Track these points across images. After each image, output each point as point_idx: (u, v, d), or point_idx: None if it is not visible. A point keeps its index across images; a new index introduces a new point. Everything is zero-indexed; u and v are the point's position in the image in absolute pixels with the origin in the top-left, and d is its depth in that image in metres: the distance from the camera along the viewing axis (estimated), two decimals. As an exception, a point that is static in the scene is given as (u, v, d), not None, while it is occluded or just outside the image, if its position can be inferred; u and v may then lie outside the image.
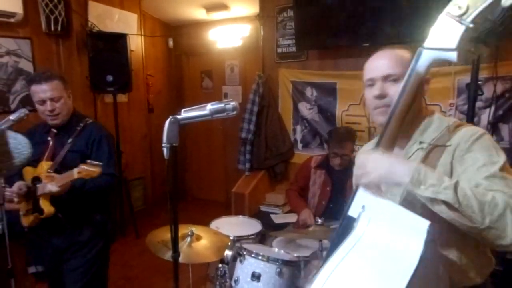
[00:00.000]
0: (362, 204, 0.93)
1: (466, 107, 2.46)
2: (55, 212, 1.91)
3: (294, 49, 3.72)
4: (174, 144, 1.12)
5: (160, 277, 3.39)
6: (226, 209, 4.50)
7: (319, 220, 1.96)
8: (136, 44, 4.64)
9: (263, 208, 3.78)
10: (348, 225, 0.93)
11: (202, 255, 2.11)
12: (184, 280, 3.15)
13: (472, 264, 1.08)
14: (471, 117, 2.15)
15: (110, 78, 3.86)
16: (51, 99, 1.94)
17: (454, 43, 0.92)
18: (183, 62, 5.60)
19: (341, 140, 2.74)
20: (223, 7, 4.61)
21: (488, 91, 2.58)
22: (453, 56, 0.92)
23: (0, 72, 3.59)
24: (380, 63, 1.19)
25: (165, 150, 1.11)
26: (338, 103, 3.55)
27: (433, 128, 1.15)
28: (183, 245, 2.11)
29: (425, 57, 0.97)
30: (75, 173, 1.76)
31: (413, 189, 0.92)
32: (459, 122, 1.17)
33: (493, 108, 2.69)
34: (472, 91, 2.14)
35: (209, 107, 1.12)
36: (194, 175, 5.69)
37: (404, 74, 1.07)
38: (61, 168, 1.94)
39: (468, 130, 1.10)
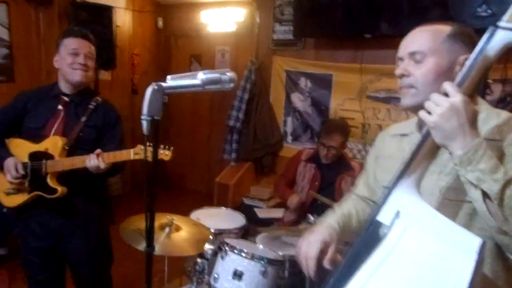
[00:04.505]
0: (396, 209, 0.77)
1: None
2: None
3: (290, 36, 3.55)
4: (155, 118, 0.93)
5: (133, 266, 3.19)
6: (207, 200, 4.32)
7: (311, 218, 1.80)
8: (122, 20, 4.39)
9: (247, 201, 3.63)
10: (375, 232, 0.77)
11: (181, 248, 1.94)
12: (158, 272, 2.96)
13: (503, 277, 0.96)
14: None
15: (92, 52, 3.60)
16: (86, 55, 1.84)
17: None
18: (171, 44, 5.35)
19: (331, 130, 2.58)
20: (218, -12, 4.39)
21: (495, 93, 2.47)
22: None
23: (-29, 36, 3.31)
24: (408, 39, 1.05)
25: (144, 124, 0.92)
26: (332, 96, 3.41)
27: (481, 119, 0.98)
28: (160, 236, 1.94)
29: (499, 39, 0.80)
30: (132, 154, 1.71)
31: (459, 164, 0.82)
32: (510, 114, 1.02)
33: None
34: (481, 90, 2.02)
35: (201, 76, 0.93)
36: (176, 162, 5.44)
37: (436, 51, 0.97)
38: (76, 144, 1.83)
39: None
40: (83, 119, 1.86)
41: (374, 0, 2.88)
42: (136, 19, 4.71)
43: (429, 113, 0.84)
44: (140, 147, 1.69)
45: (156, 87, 0.91)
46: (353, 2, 2.97)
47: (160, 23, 5.14)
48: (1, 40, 3.48)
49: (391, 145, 1.19)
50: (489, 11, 1.78)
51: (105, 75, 4.22)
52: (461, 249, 0.66)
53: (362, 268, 0.73)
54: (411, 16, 2.75)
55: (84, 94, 1.92)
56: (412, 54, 1.02)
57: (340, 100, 3.36)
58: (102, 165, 1.70)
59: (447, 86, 0.82)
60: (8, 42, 3.53)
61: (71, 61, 1.82)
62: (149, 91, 0.91)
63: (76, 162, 1.75)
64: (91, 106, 1.90)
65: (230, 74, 0.95)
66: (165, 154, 1.74)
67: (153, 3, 5.04)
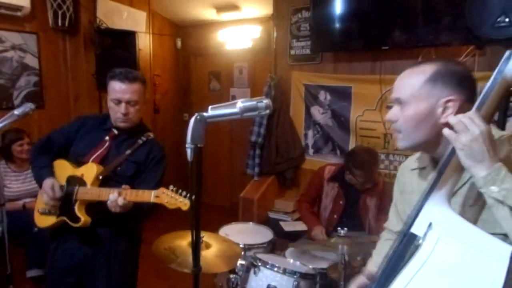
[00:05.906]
0: (428, 221, 0.82)
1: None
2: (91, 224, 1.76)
3: (308, 51, 3.61)
4: (199, 145, 1.00)
5: (163, 283, 3.27)
6: (231, 215, 4.37)
7: (342, 231, 1.83)
8: (144, 43, 4.54)
9: (272, 215, 3.66)
10: (409, 243, 0.81)
11: (213, 264, 1.99)
12: (189, 289, 3.00)
13: None
14: (502, 123, 2.03)
15: (117, 76, 3.74)
16: (128, 102, 1.79)
17: None
18: (190, 63, 5.50)
19: (361, 165, 2.51)
20: (234, 7, 4.51)
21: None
22: None
23: (4, 67, 3.49)
24: (396, 83, 1.10)
25: (188, 151, 0.99)
26: (352, 108, 3.43)
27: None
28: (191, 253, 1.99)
29: None
30: (152, 196, 1.59)
31: (484, 185, 0.86)
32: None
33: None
34: (503, 111, 2.02)
35: (240, 104, 1.00)
36: (199, 179, 5.55)
37: (414, 97, 1.02)
38: (112, 176, 1.81)
39: None
40: (128, 152, 1.84)
41: (387, 13, 2.92)
42: (156, 41, 4.87)
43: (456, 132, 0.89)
44: (162, 190, 1.58)
45: (198, 117, 0.98)
46: (367, 14, 3.02)
47: (179, 43, 5.30)
48: (32, 68, 3.66)
49: (412, 179, 1.22)
50: (508, 20, 1.80)
51: (128, 97, 4.37)
52: (494, 256, 0.70)
53: (398, 279, 0.77)
54: (425, 26, 2.76)
55: (135, 130, 1.90)
56: (397, 100, 1.07)
57: (360, 112, 3.38)
58: (121, 201, 1.61)
59: (475, 117, 0.87)
60: (38, 71, 3.71)
61: (114, 109, 1.82)
62: (192, 121, 0.98)
63: (103, 194, 1.69)
64: (139, 141, 1.88)
65: (266, 101, 1.02)
66: (184, 203, 1.54)
67: (171, 25, 5.22)
